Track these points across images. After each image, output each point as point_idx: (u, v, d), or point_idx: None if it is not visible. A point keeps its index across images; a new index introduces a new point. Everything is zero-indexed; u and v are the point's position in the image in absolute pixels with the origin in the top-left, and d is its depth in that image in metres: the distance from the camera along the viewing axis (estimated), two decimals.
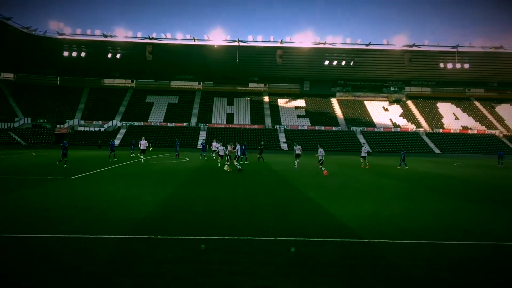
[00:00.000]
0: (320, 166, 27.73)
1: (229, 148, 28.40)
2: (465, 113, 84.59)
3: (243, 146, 30.11)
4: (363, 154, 34.86)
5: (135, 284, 6.41)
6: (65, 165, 26.73)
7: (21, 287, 6.30)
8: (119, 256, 7.80)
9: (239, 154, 27.91)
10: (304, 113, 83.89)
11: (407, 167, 35.17)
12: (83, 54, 76.56)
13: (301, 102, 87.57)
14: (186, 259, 7.64)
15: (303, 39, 75.47)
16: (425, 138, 75.87)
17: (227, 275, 6.87)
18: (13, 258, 7.61)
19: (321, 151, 28.15)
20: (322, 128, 78.28)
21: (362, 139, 74.18)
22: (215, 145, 37.61)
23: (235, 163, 27.58)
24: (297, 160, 31.14)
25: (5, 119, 71.91)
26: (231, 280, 6.66)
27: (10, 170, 24.83)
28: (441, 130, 79.27)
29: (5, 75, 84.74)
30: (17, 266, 7.16)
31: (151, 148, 32.90)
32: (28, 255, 7.79)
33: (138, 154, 34.85)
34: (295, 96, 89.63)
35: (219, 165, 29.79)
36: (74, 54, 76.10)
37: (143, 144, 34.88)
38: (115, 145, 39.42)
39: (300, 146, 32.35)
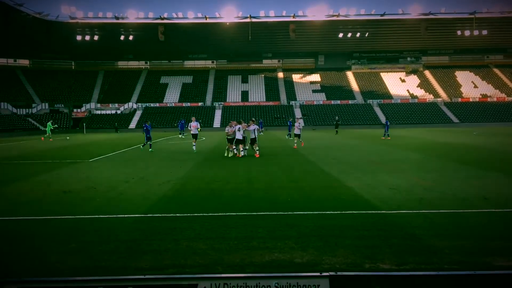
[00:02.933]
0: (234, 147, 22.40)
1: (228, 128, 22.14)
2: (484, 81, 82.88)
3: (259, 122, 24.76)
4: (296, 131, 27.17)
5: (154, 260, 6.50)
6: (150, 149, 25.75)
7: (45, 266, 6.43)
8: (138, 234, 7.91)
9: (255, 135, 21.99)
10: (320, 88, 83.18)
11: (389, 138, 35.43)
12: (96, 38, 76.81)
13: (316, 77, 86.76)
14: (204, 236, 7.71)
15: (316, 12, 74.50)
16: (444, 108, 74.78)
17: (246, 249, 6.92)
18: (36, 238, 7.77)
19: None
20: (338, 102, 77.61)
21: (379, 112, 73.46)
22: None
23: (242, 148, 21.94)
24: (239, 147, 22.02)
25: (23, 105, 72.85)
26: (250, 254, 6.70)
27: (33, 155, 25.24)
28: (459, 99, 77.95)
29: (20, 61, 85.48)
30: (40, 246, 7.31)
31: (199, 129, 23.83)
32: (50, 235, 7.95)
33: (192, 143, 25.32)
34: (309, 71, 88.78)
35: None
36: (87, 37, 76.38)
37: (194, 126, 25.34)
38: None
39: (240, 126, 21.73)
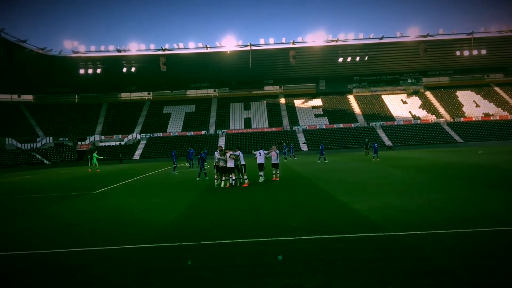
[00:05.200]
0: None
1: (217, 155, 20.56)
2: (486, 100, 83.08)
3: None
4: (274, 160, 22.56)
5: None
6: (206, 177, 24.69)
7: None
8: (145, 265, 7.82)
9: (242, 162, 20.34)
10: (322, 112, 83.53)
11: (378, 159, 36.60)
12: (99, 71, 77.73)
13: (317, 102, 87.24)
14: (212, 264, 7.62)
15: (315, 38, 75.27)
16: (447, 128, 74.78)
17: (254, 276, 6.82)
18: (42, 272, 7.70)
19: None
20: (341, 126, 77.83)
21: (383, 134, 73.48)
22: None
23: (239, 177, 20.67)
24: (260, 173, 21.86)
25: (28, 140, 73.35)
26: (258, 281, 6.60)
27: (37, 189, 25.23)
28: (462, 119, 78.02)
29: (24, 97, 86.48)
30: (46, 280, 7.23)
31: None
32: (55, 269, 7.87)
33: (220, 180, 20.77)
34: (311, 96, 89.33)
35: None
36: (90, 71, 77.31)
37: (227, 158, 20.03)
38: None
39: (262, 151, 22.10)
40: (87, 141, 75.79)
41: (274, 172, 22.61)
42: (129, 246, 9.21)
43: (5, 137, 71.44)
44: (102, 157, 47.89)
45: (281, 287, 6.28)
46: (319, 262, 7.35)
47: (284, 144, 51.10)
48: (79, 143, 75.22)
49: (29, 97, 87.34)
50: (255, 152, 22.32)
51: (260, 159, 21.79)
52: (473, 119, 77.77)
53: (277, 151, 22.88)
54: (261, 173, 22.00)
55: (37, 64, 71.42)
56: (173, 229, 10.86)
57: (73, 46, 72.78)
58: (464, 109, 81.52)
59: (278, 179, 22.26)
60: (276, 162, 22.50)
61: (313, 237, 9.17)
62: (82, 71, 76.95)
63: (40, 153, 70.33)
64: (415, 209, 11.86)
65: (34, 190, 24.74)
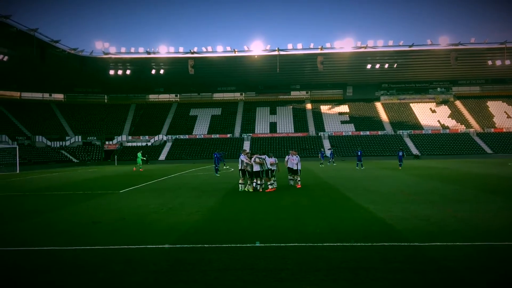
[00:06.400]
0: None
1: (245, 159, 20.18)
2: None
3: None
4: (292, 165, 21.87)
5: None
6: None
7: None
8: (166, 265, 7.88)
9: (269, 167, 19.94)
10: (348, 119, 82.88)
11: (400, 168, 36.88)
12: (128, 72, 78.83)
13: (344, 108, 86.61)
14: (232, 267, 7.63)
15: (344, 44, 74.57)
16: (476, 138, 73.22)
17: (274, 281, 6.80)
18: (65, 268, 7.83)
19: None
20: (368, 133, 77.03)
21: (410, 143, 72.47)
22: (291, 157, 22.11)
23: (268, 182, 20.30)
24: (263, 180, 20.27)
25: (57, 138, 74.89)
26: (279, 286, 6.58)
27: (65, 186, 25.73)
28: (492, 130, 76.27)
29: (55, 96, 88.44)
30: (68, 276, 7.36)
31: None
32: (78, 265, 8.00)
33: (245, 184, 20.62)
34: (338, 102, 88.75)
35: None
36: (120, 72, 78.46)
37: (272, 162, 20.28)
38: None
39: (274, 158, 20.82)
40: (115, 141, 76.96)
41: (298, 179, 21.95)
42: (151, 246, 9.30)
43: (36, 135, 73.04)
44: (145, 158, 48.57)
45: None
46: (341, 270, 7.28)
47: (322, 149, 50.75)
48: (107, 142, 76.45)
49: (60, 96, 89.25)
50: (286, 157, 22.36)
51: (290, 164, 21.81)
52: (504, 130, 75.93)
53: (298, 156, 22.02)
54: (292, 177, 22.14)
55: (69, 64, 72.89)
56: (195, 231, 10.92)
57: (104, 47, 74.00)
58: (494, 119, 79.72)
59: (299, 186, 21.60)
60: (297, 168, 21.69)
61: (336, 244, 9.09)
62: (112, 72, 78.23)
63: (68, 151, 71.77)
64: (440, 219, 11.65)
65: (61, 187, 25.24)
